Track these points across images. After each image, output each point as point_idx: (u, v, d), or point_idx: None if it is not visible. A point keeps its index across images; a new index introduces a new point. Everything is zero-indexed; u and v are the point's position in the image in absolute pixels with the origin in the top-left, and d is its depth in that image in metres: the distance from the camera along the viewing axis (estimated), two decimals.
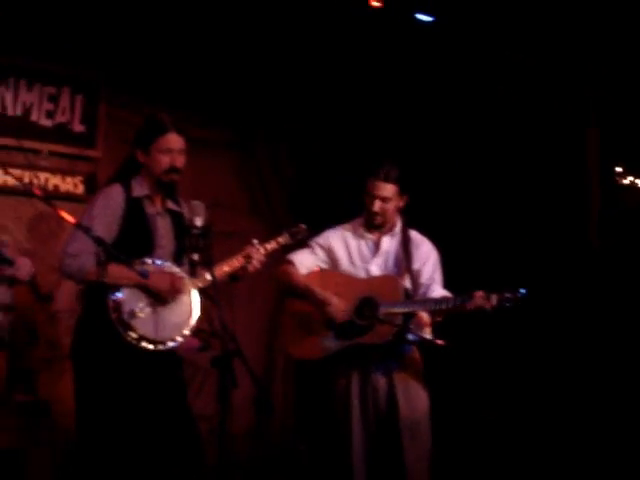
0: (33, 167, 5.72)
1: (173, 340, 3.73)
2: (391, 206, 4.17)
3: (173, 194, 3.93)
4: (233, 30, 5.88)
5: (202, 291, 3.79)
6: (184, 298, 3.76)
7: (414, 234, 4.29)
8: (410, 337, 4.09)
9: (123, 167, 3.93)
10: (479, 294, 3.92)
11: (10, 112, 5.67)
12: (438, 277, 4.23)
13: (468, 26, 5.44)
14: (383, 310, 4.02)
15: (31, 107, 5.74)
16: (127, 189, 3.81)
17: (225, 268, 3.91)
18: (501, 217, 5.78)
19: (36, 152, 5.72)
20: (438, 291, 4.17)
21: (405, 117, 6.00)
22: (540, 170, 5.76)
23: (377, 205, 4.16)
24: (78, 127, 5.99)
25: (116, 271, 3.57)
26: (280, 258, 4.31)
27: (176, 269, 3.80)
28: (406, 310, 4.06)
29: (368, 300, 4.08)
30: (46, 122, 5.86)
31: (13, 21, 5.46)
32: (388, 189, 4.15)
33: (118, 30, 5.75)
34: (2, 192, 5.37)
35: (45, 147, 5.79)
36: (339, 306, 4.10)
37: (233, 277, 3.96)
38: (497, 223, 5.79)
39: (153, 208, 3.87)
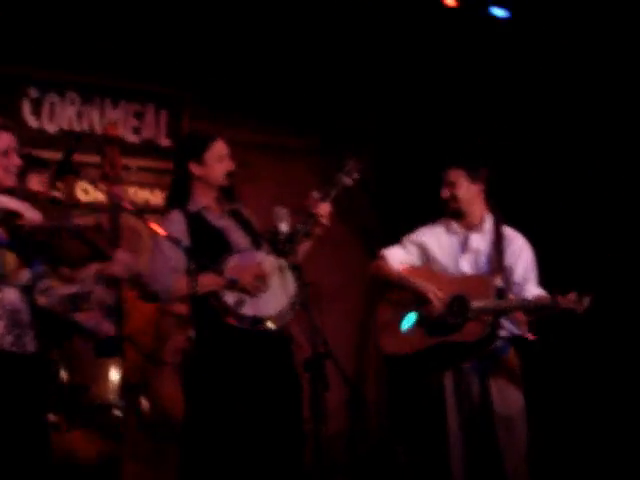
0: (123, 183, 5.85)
1: (287, 311, 3.77)
2: (461, 191, 4.16)
3: (231, 195, 4.01)
4: (312, 37, 5.93)
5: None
6: (273, 280, 3.78)
7: (507, 230, 4.24)
8: (501, 334, 4.06)
9: (175, 185, 4.02)
10: (571, 296, 3.87)
11: (98, 130, 5.81)
12: (532, 275, 4.18)
13: (545, 21, 5.36)
14: (474, 308, 4.00)
15: (117, 124, 5.87)
16: (183, 209, 3.90)
17: (307, 246, 3.94)
18: (593, 212, 5.65)
19: (125, 168, 5.84)
20: (532, 290, 4.12)
21: (484, 115, 5.93)
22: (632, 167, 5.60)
23: (445, 191, 4.16)
24: (164, 142, 6.12)
25: (206, 280, 3.66)
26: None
27: (256, 254, 3.85)
28: (496, 309, 4.02)
29: (459, 298, 4.06)
30: (133, 138, 6.01)
31: (96, 42, 5.61)
32: (453, 174, 4.16)
33: (198, 44, 5.85)
34: (93, 208, 5.50)
35: (133, 162, 5.92)
36: (438, 294, 4.09)
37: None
38: (589, 218, 5.65)
39: (214, 214, 3.96)
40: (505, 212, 4.30)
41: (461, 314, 4.01)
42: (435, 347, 4.08)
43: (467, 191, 4.17)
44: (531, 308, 4.00)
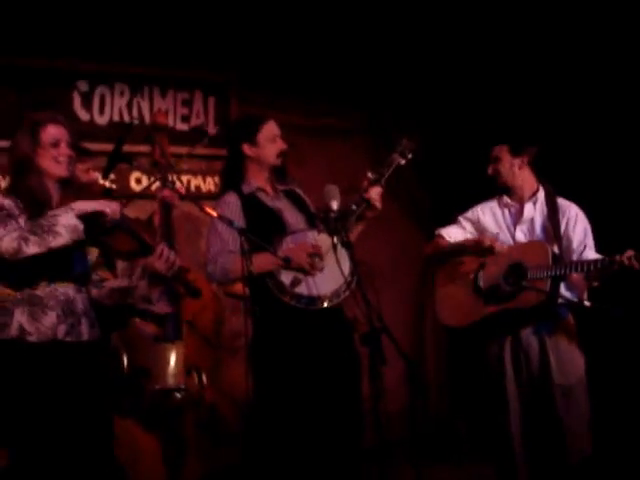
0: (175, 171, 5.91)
1: (342, 290, 3.79)
2: (504, 166, 4.19)
3: (283, 175, 4.06)
4: (356, 17, 5.91)
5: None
6: (328, 258, 3.79)
7: (561, 201, 4.23)
8: (560, 301, 4.04)
9: (228, 167, 4.06)
10: (629, 253, 3.84)
11: (148, 120, 5.86)
12: (590, 242, 4.17)
13: None
14: (532, 274, 3.99)
15: (167, 113, 5.93)
16: (239, 190, 3.94)
17: (359, 228, 3.97)
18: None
19: (177, 156, 5.90)
20: (592, 256, 4.11)
21: (531, 90, 5.86)
22: None
23: (490, 168, 4.22)
24: (213, 129, 6.17)
25: (261, 260, 3.69)
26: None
27: (311, 233, 3.89)
28: (553, 274, 4.00)
29: (517, 266, 4.07)
30: (182, 126, 6.06)
31: (142, 32, 5.67)
32: (497, 149, 4.21)
33: (243, 29, 5.88)
34: (146, 197, 5.56)
35: (184, 150, 5.98)
36: (491, 278, 4.09)
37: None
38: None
39: (268, 196, 3.99)
40: (557, 186, 4.28)
41: (519, 281, 4.01)
42: (493, 315, 4.09)
43: (510, 165, 4.20)
44: (589, 268, 3.98)
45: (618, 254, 3.87)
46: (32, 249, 3.14)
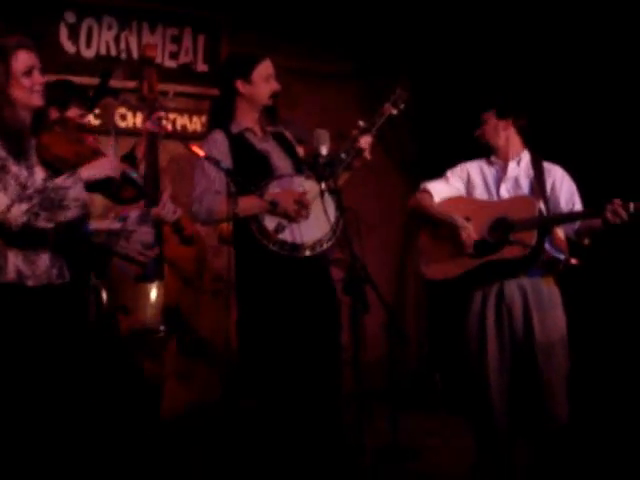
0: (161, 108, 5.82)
1: (327, 239, 3.76)
2: (489, 126, 4.22)
3: (274, 117, 3.99)
4: None
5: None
6: (314, 206, 3.75)
7: (546, 164, 4.23)
8: (543, 258, 4.03)
9: (218, 104, 3.99)
10: (616, 201, 3.82)
11: (135, 55, 5.76)
12: (577, 201, 4.15)
13: None
14: (518, 226, 3.99)
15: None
16: (227, 129, 3.87)
17: (345, 176, 3.93)
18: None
19: (163, 94, 5.80)
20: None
21: (522, 50, 5.79)
22: None
23: (477, 130, 4.26)
24: (201, 67, 6.07)
25: (246, 202, 3.66)
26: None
27: (298, 179, 3.83)
28: (540, 222, 3.99)
29: (502, 220, 4.06)
30: (170, 63, 5.96)
31: None
32: (486, 115, 4.23)
33: None
34: (130, 134, 5.48)
35: (171, 88, 5.87)
36: (470, 233, 4.08)
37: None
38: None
39: (256, 137, 3.93)
40: (544, 153, 4.27)
41: (504, 233, 4.01)
42: (477, 268, 4.08)
43: (495, 126, 4.23)
44: (576, 216, 4.02)
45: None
46: (41, 224, 3.10)
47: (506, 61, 5.80)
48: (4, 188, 3.10)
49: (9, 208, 3.08)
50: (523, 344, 4.02)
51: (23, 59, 3.20)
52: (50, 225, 3.12)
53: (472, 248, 4.08)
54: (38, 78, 3.23)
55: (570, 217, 4.06)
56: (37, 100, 3.24)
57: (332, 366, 3.84)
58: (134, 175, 3.34)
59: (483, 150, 4.32)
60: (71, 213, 3.13)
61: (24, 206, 3.08)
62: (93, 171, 3.20)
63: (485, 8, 5.91)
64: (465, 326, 4.16)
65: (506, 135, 4.23)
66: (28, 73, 3.20)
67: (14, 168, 3.15)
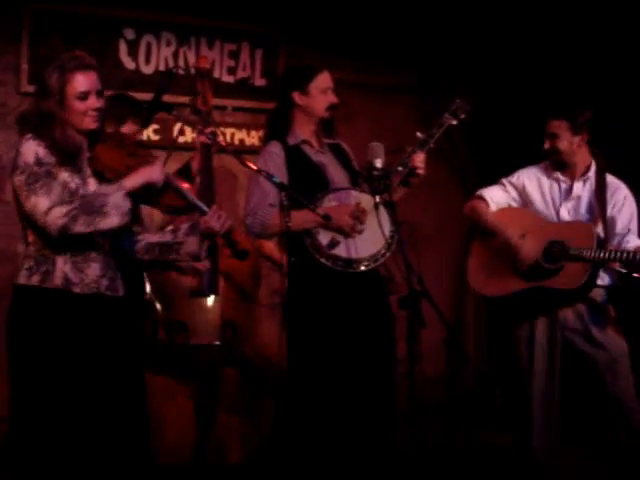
0: (219, 123, 5.85)
1: (382, 254, 3.73)
2: (563, 144, 4.05)
3: (331, 130, 3.98)
4: None
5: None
6: (369, 219, 3.72)
7: (611, 179, 4.12)
8: (599, 283, 3.94)
9: (275, 116, 3.97)
10: None
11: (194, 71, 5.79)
12: (634, 227, 4.06)
13: None
14: (572, 255, 3.92)
15: (213, 64, 5.85)
16: (284, 141, 3.85)
17: (402, 192, 3.90)
18: None
19: (221, 108, 5.84)
20: (634, 242, 4.01)
21: (592, 59, 5.68)
22: None
23: (547, 143, 4.08)
24: (259, 81, 6.09)
25: (299, 216, 3.61)
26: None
27: (354, 192, 3.82)
28: (596, 258, 3.88)
29: (558, 243, 3.96)
30: (228, 78, 5.99)
31: None
32: (556, 125, 4.05)
33: None
34: (184, 149, 5.50)
35: (229, 103, 5.91)
36: (529, 253, 3.99)
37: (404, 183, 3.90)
38: None
39: (313, 149, 3.92)
40: (609, 160, 4.17)
41: (558, 260, 3.91)
42: (526, 291, 4.00)
43: (570, 143, 4.07)
44: (631, 261, 3.87)
45: None
46: (79, 228, 3.06)
47: (569, 71, 5.70)
48: (47, 192, 3.08)
49: (49, 210, 3.06)
50: (587, 366, 3.97)
51: (80, 82, 3.16)
52: (88, 230, 3.07)
53: (525, 270, 4.00)
54: (93, 102, 3.19)
55: (622, 260, 3.88)
56: (89, 124, 3.21)
57: (386, 383, 3.79)
58: (176, 184, 3.30)
59: (540, 157, 4.21)
60: (110, 220, 3.09)
61: (64, 209, 3.06)
62: (135, 178, 3.17)
63: (545, 20, 5.84)
64: (514, 346, 4.10)
65: (580, 152, 4.10)
66: (83, 97, 3.17)
67: (64, 175, 3.15)
